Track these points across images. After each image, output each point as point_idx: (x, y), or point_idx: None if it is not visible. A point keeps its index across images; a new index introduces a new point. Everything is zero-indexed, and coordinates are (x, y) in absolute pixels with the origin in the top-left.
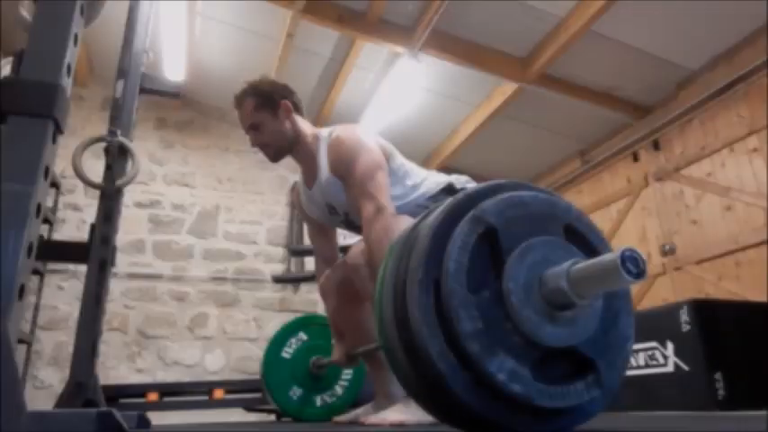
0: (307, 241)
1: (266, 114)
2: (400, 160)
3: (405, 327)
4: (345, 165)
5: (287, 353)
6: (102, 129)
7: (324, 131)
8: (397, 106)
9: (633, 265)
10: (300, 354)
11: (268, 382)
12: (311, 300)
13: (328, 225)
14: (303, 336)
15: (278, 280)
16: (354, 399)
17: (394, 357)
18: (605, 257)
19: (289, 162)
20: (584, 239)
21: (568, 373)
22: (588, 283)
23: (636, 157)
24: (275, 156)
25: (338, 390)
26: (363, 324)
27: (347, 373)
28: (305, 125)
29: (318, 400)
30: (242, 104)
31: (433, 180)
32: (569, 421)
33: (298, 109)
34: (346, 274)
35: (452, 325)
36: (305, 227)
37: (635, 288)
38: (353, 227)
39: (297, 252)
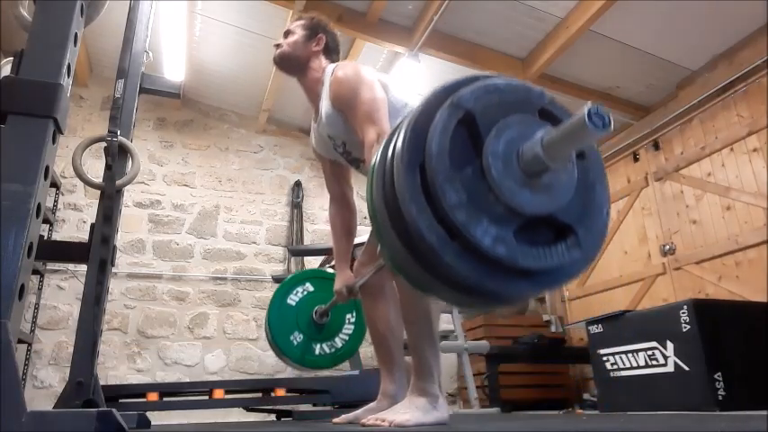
0: (307, 241)
1: (303, 32)
2: (399, 95)
3: (395, 209)
4: (347, 98)
5: (292, 300)
6: (102, 129)
7: (329, 67)
8: None
9: (599, 118)
10: (305, 302)
11: (271, 324)
12: None
13: (333, 159)
14: (310, 286)
15: (278, 280)
16: (353, 352)
17: (386, 241)
18: (573, 117)
19: (288, 162)
20: (557, 121)
21: (549, 239)
22: (561, 145)
23: (636, 157)
24: (281, 58)
25: (338, 342)
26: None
27: (348, 328)
28: (322, 62)
29: (317, 349)
30: (297, 20)
31: None
32: (553, 281)
33: (329, 50)
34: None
35: (439, 200)
36: (305, 226)
37: (635, 288)
38: (351, 159)
39: (297, 252)
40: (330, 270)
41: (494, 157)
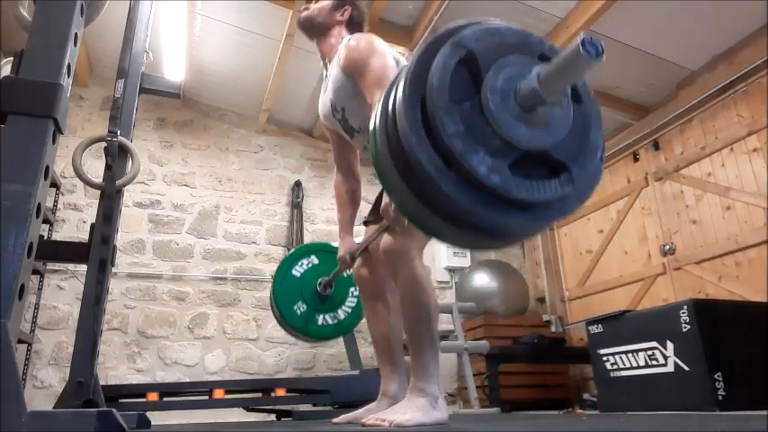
0: (307, 241)
1: (331, 1)
2: None
3: (397, 149)
4: (358, 64)
5: (297, 271)
6: (102, 129)
7: (347, 37)
8: None
9: (592, 47)
10: (309, 274)
11: (276, 294)
12: None
13: (336, 129)
14: (315, 259)
15: None
16: (354, 324)
17: (390, 184)
18: (568, 47)
19: (288, 162)
20: None
21: (544, 175)
22: (557, 77)
23: (636, 157)
24: (305, 20)
25: (340, 314)
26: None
27: (351, 300)
28: (343, 32)
29: (320, 320)
30: None
31: None
32: (547, 216)
33: (352, 23)
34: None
35: (438, 132)
36: (305, 226)
37: (635, 288)
38: (347, 127)
39: None
40: (334, 245)
41: (492, 91)
